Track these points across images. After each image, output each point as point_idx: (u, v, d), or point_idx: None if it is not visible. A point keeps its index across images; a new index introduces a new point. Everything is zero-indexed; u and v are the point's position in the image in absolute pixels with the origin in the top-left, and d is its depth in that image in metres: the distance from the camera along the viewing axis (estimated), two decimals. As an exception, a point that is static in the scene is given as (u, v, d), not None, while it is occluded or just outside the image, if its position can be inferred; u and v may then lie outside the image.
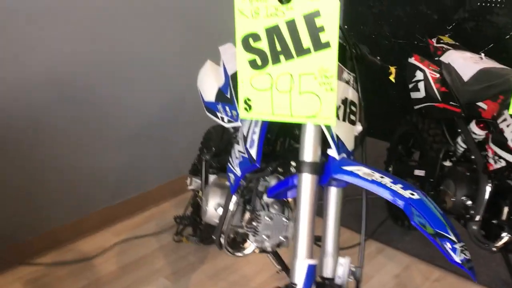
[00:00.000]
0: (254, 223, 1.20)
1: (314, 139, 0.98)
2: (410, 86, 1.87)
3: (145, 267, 1.92)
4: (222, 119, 1.53)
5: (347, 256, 1.05)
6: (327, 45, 0.88)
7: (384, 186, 0.92)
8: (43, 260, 1.96)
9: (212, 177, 1.62)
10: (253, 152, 1.11)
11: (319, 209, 1.00)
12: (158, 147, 2.35)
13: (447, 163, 1.74)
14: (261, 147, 1.10)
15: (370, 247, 2.03)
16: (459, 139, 1.74)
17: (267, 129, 1.13)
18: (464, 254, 0.88)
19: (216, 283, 1.82)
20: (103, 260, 1.97)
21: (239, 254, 1.31)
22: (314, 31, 0.88)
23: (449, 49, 1.81)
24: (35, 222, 1.96)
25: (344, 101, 1.04)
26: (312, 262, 0.97)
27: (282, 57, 0.92)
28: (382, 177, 0.94)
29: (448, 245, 0.88)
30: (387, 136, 2.27)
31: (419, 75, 1.82)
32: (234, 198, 1.27)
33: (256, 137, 1.12)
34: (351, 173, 0.96)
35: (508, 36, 2.31)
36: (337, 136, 1.00)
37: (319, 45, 0.89)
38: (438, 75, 1.76)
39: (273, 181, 1.23)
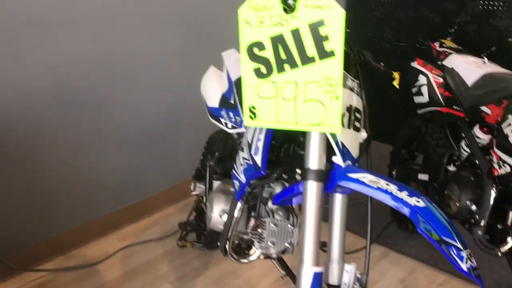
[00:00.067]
0: (259, 230, 1.20)
1: (319, 146, 0.98)
2: (413, 90, 1.87)
3: (150, 273, 1.93)
4: (226, 125, 1.54)
5: (352, 262, 1.05)
6: (331, 53, 0.89)
7: (389, 193, 0.92)
8: (48, 266, 1.97)
9: (216, 183, 1.62)
10: (258, 159, 1.11)
11: (324, 214, 1.00)
12: (161, 152, 2.35)
13: (451, 168, 1.74)
14: (266, 154, 1.10)
15: (374, 251, 2.03)
16: (462, 143, 1.74)
17: (271, 136, 1.13)
18: (471, 261, 0.88)
19: (221, 289, 1.83)
20: (108, 266, 1.98)
21: (244, 260, 1.31)
22: (319, 40, 0.89)
23: (452, 53, 1.81)
24: (39, 228, 1.96)
25: (349, 108, 1.04)
26: (318, 269, 0.97)
27: (287, 66, 0.93)
28: (387, 184, 0.94)
29: (454, 252, 0.88)
30: (390, 139, 2.26)
31: (422, 79, 1.82)
32: (238, 205, 1.27)
33: (260, 144, 1.12)
34: (356, 181, 0.96)
35: (510, 39, 2.31)
36: (342, 144, 1.00)
37: (323, 53, 0.89)
38: (441, 80, 1.76)
39: (277, 188, 1.24)
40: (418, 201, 0.92)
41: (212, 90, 1.65)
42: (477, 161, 1.61)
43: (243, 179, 1.18)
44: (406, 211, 0.90)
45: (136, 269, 1.96)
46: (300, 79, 0.93)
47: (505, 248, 1.49)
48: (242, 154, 1.21)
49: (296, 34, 0.90)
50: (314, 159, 0.98)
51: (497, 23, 2.34)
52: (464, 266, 0.87)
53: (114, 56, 2.02)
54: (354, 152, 1.04)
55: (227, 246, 1.29)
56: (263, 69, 0.95)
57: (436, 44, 1.93)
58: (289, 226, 1.20)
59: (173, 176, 2.44)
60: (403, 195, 0.92)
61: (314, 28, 0.88)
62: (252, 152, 1.13)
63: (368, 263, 1.06)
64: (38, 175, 1.90)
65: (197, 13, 2.29)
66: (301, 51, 0.91)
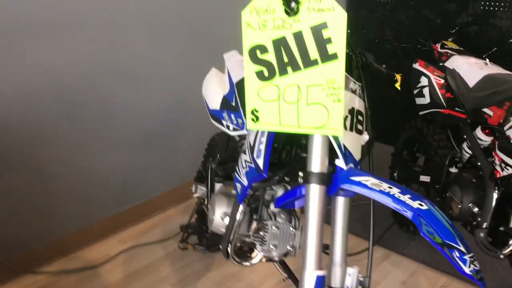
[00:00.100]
0: (261, 233, 1.20)
1: (321, 149, 0.98)
2: (415, 92, 1.87)
3: (151, 275, 1.92)
4: (228, 127, 1.53)
5: (355, 266, 1.05)
6: (334, 56, 0.89)
7: (392, 196, 0.92)
8: (49, 269, 1.96)
9: (218, 186, 1.62)
10: (260, 162, 1.11)
11: (326, 216, 1.00)
12: (162, 154, 2.35)
13: (453, 170, 1.73)
14: (268, 157, 1.10)
15: (376, 253, 2.02)
16: (464, 145, 1.73)
17: (273, 138, 1.13)
18: (474, 265, 0.88)
19: (222, 291, 1.82)
20: (109, 268, 1.97)
21: (246, 263, 1.31)
22: (321, 43, 0.89)
23: (454, 55, 1.81)
24: (40, 230, 1.96)
25: (351, 111, 1.04)
26: (321, 273, 0.97)
27: (289, 69, 0.93)
28: (390, 188, 0.94)
29: (456, 254, 0.88)
30: (391, 140, 2.26)
31: (423, 81, 1.82)
32: (240, 208, 1.27)
33: (262, 147, 1.12)
34: (359, 184, 0.95)
35: (511, 40, 2.31)
36: (345, 146, 1.00)
37: (326, 56, 0.89)
38: (443, 81, 1.76)
39: (279, 190, 1.23)
40: (421, 205, 0.91)
41: (214, 92, 1.65)
42: (479, 163, 1.60)
43: (245, 182, 1.18)
44: (408, 214, 0.89)
45: (138, 271, 1.95)
46: (302, 82, 0.93)
47: (507, 250, 1.49)
48: (244, 157, 1.20)
49: (298, 37, 0.90)
50: (316, 162, 0.98)
51: (499, 23, 2.34)
52: (467, 270, 0.87)
53: (115, 57, 2.02)
54: (357, 155, 1.04)
55: (229, 249, 1.29)
56: (266, 72, 0.95)
57: (438, 46, 1.92)
58: (291, 229, 1.20)
59: (174, 178, 2.44)
60: (406, 198, 0.92)
61: (317, 31, 0.88)
62: (254, 155, 1.13)
63: (370, 266, 1.06)
64: (39, 177, 1.90)
65: (198, 14, 2.29)
66: (304, 54, 0.90)
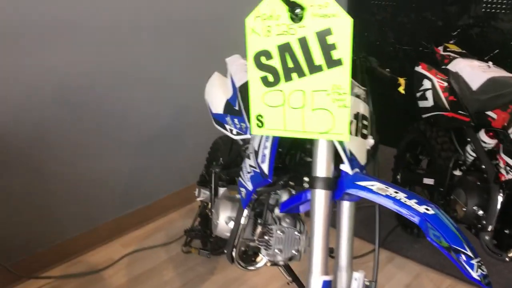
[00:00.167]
0: (266, 237, 1.20)
1: (327, 154, 0.98)
2: (418, 95, 1.87)
3: (155, 279, 1.92)
4: (231, 131, 1.53)
5: (361, 270, 1.05)
6: (339, 62, 0.89)
7: (398, 201, 0.92)
8: (52, 273, 1.96)
9: (221, 190, 1.62)
10: (265, 167, 1.11)
11: (331, 219, 0.99)
12: (164, 157, 2.35)
13: (457, 172, 1.73)
14: (273, 162, 1.10)
15: (380, 256, 2.02)
16: (468, 148, 1.73)
17: (278, 143, 1.13)
18: (481, 269, 0.87)
19: (226, 295, 1.82)
20: (113, 272, 1.97)
21: (251, 268, 1.31)
22: (326, 49, 0.89)
23: (456, 57, 1.81)
24: (43, 235, 1.96)
25: (356, 116, 1.04)
26: (327, 278, 0.97)
27: (294, 75, 0.93)
28: (396, 192, 0.94)
29: (463, 258, 0.88)
30: (394, 142, 2.26)
31: (426, 83, 1.82)
32: (245, 212, 1.27)
33: (267, 152, 1.12)
34: (365, 188, 0.95)
35: (513, 42, 2.31)
36: (350, 151, 1.00)
37: (331, 62, 0.89)
38: (446, 84, 1.76)
39: (284, 195, 1.23)
40: (427, 209, 0.91)
41: (217, 96, 1.65)
42: (483, 166, 1.60)
43: (250, 186, 1.18)
44: (415, 219, 0.89)
45: (141, 275, 1.95)
46: (307, 88, 0.93)
47: (513, 253, 1.49)
48: (249, 162, 1.20)
49: (303, 42, 0.90)
50: (322, 167, 0.98)
51: (500, 26, 2.34)
52: (474, 274, 0.86)
53: (117, 60, 2.02)
54: (362, 160, 1.03)
55: (233, 254, 1.29)
56: (270, 78, 0.95)
57: (440, 48, 1.93)
58: (296, 233, 1.20)
59: (176, 181, 2.44)
60: (412, 203, 0.92)
61: (322, 36, 0.88)
62: (259, 160, 1.13)
63: (376, 271, 1.06)
64: (41, 181, 1.90)
65: (200, 18, 2.29)
66: (309, 59, 0.90)
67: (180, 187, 2.46)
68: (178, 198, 2.45)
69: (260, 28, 0.92)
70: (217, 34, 2.38)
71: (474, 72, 1.65)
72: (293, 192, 1.22)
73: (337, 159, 1.01)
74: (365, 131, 1.06)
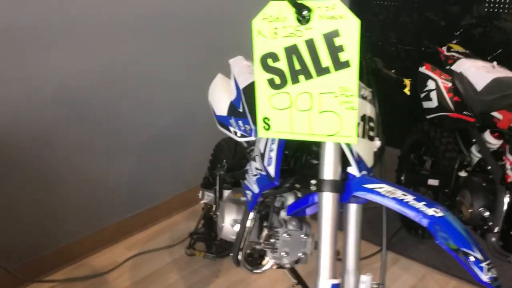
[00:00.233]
0: (272, 240, 1.19)
1: (334, 157, 0.97)
2: (422, 95, 1.86)
3: (159, 282, 1.91)
4: (235, 133, 1.53)
5: (368, 273, 1.04)
6: (347, 64, 0.88)
7: (407, 204, 0.91)
8: (56, 277, 1.96)
9: (226, 192, 1.61)
10: (271, 169, 1.10)
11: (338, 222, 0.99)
12: (167, 160, 2.35)
13: (462, 173, 1.72)
14: (279, 164, 1.09)
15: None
16: (473, 149, 1.73)
17: (284, 146, 1.13)
18: (491, 272, 0.87)
19: (231, 297, 1.81)
20: (117, 275, 1.97)
21: (257, 271, 1.30)
22: (334, 51, 0.88)
23: (460, 58, 1.80)
24: (47, 239, 1.96)
25: (363, 118, 1.03)
26: (335, 281, 0.96)
27: (301, 77, 0.92)
28: (404, 195, 0.93)
29: (473, 262, 0.87)
30: (397, 143, 2.25)
31: (430, 84, 1.81)
32: (251, 215, 1.26)
33: (273, 154, 1.11)
34: (373, 191, 0.95)
35: (516, 41, 2.31)
36: (357, 154, 0.99)
37: (338, 64, 0.89)
38: (450, 85, 1.75)
39: (290, 197, 1.23)
40: (436, 212, 0.90)
41: (220, 98, 1.64)
42: (489, 167, 1.59)
43: (256, 189, 1.17)
44: (424, 222, 0.89)
45: (145, 278, 1.94)
46: (315, 90, 0.92)
47: (519, 254, 1.48)
48: (255, 164, 1.20)
49: (310, 44, 0.89)
50: (329, 170, 0.97)
51: (503, 25, 2.33)
52: (484, 277, 0.86)
53: (120, 63, 2.02)
54: (369, 162, 1.03)
55: (239, 257, 1.28)
56: (277, 80, 0.94)
57: (444, 49, 1.92)
58: (302, 236, 1.19)
59: (179, 183, 2.43)
60: (421, 205, 0.91)
61: (329, 38, 0.88)
62: (265, 163, 1.12)
63: (384, 274, 1.05)
64: (45, 185, 1.90)
65: (203, 20, 2.29)
66: (316, 61, 0.90)
67: (183, 189, 2.45)
68: (182, 200, 2.45)
69: (266, 30, 0.91)
70: (220, 36, 2.38)
71: (479, 73, 1.64)
72: (299, 194, 1.22)
73: (344, 162, 1.00)
74: (371, 133, 1.05)
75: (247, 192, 1.24)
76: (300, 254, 1.20)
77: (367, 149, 1.03)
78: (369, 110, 1.07)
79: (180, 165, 2.40)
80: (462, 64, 1.75)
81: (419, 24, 2.67)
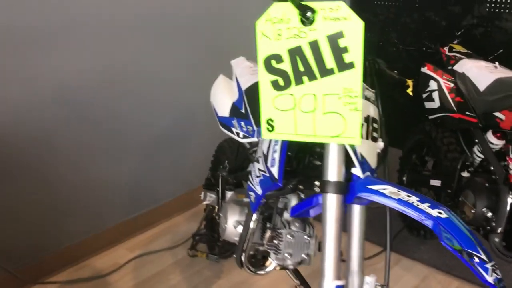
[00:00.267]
0: (275, 241, 1.19)
1: (338, 158, 0.97)
2: (424, 96, 1.86)
3: (161, 283, 1.91)
4: (238, 134, 1.53)
5: (372, 274, 1.04)
6: (351, 65, 0.88)
7: (411, 205, 0.91)
8: (58, 279, 1.95)
9: (229, 193, 1.61)
10: (275, 171, 1.10)
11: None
12: (169, 162, 2.35)
13: (465, 174, 1.72)
14: (283, 166, 1.09)
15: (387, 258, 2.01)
16: (475, 149, 1.72)
17: (287, 147, 1.12)
18: (496, 273, 0.87)
19: (233, 299, 1.81)
20: (119, 277, 1.96)
21: (261, 272, 1.30)
22: (338, 52, 0.88)
23: (462, 58, 1.80)
24: (48, 240, 1.96)
25: (366, 119, 1.03)
26: (340, 283, 0.96)
27: (305, 78, 0.92)
28: (408, 196, 0.93)
29: (476, 260, 0.87)
30: (398, 143, 2.25)
31: (432, 84, 1.81)
32: (254, 216, 1.26)
33: (277, 156, 1.11)
34: (377, 192, 0.95)
35: (518, 41, 2.31)
36: (361, 155, 0.99)
37: (343, 65, 0.88)
38: (452, 85, 1.75)
39: (293, 199, 1.23)
40: (440, 213, 0.90)
41: (222, 99, 1.64)
42: (492, 167, 1.59)
43: (259, 191, 1.17)
44: (429, 223, 0.89)
45: (147, 279, 1.94)
46: (319, 91, 0.92)
47: (522, 254, 1.48)
48: (258, 166, 1.19)
49: (314, 46, 0.89)
50: (333, 171, 0.97)
51: (504, 25, 2.33)
52: (489, 279, 0.86)
53: (121, 64, 2.02)
54: (373, 163, 1.03)
55: (243, 258, 1.28)
56: (281, 82, 0.94)
57: (446, 49, 1.92)
58: (305, 237, 1.19)
59: (181, 185, 2.43)
60: (425, 206, 0.91)
61: (333, 40, 0.87)
62: (269, 164, 1.12)
63: (388, 275, 1.05)
64: (45, 185, 1.89)
65: (205, 21, 2.29)
66: (320, 63, 0.90)
67: (184, 191, 2.45)
68: (183, 201, 2.45)
69: (270, 31, 0.91)
70: (220, 35, 2.38)
71: (481, 73, 1.64)
72: (302, 195, 1.22)
73: (348, 162, 1.00)
74: (375, 134, 1.05)
75: (251, 193, 1.24)
76: (303, 255, 1.19)
77: (371, 150, 1.03)
78: (373, 111, 1.06)
79: (180, 165, 2.40)
80: (464, 64, 1.75)
81: (420, 24, 2.67)
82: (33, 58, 1.73)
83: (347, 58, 0.88)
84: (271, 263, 1.29)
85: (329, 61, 0.89)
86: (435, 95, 1.80)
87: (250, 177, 1.25)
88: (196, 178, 2.41)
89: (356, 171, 0.99)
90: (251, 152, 1.50)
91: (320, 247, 1.24)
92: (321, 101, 0.93)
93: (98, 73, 1.94)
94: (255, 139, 1.45)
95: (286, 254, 1.18)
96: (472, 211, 1.62)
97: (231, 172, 1.64)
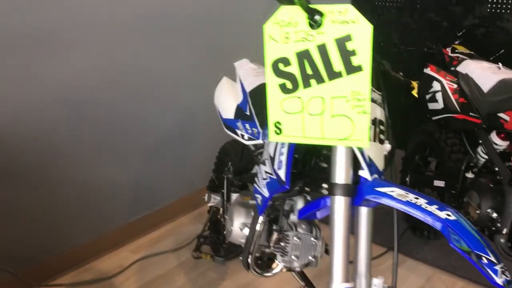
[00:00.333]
0: (282, 244, 1.19)
1: (346, 161, 0.97)
2: (427, 97, 1.87)
3: (166, 285, 1.91)
4: (242, 136, 1.53)
5: (380, 276, 1.04)
6: (359, 68, 0.88)
7: (419, 207, 0.91)
8: (62, 281, 1.95)
9: (234, 196, 1.61)
10: (282, 173, 1.10)
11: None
12: (172, 163, 2.35)
13: (469, 175, 1.72)
14: (290, 168, 1.09)
15: (390, 259, 2.01)
16: (479, 150, 1.73)
17: (294, 149, 1.13)
18: (505, 275, 0.87)
19: (238, 300, 1.81)
20: (123, 279, 1.96)
21: (267, 274, 1.30)
22: (346, 55, 0.88)
23: (465, 59, 1.80)
24: (52, 242, 1.95)
25: (374, 121, 1.03)
26: (348, 285, 0.97)
27: (313, 81, 0.92)
28: (417, 198, 0.94)
29: (487, 265, 0.87)
30: (401, 144, 2.25)
31: (436, 86, 1.81)
32: (260, 218, 1.26)
33: (284, 158, 1.11)
34: (385, 195, 0.95)
35: (519, 42, 2.31)
36: (369, 157, 0.99)
37: (351, 68, 0.89)
38: (455, 86, 1.75)
39: (299, 201, 1.23)
40: (448, 215, 0.91)
41: (226, 101, 1.64)
42: (496, 168, 1.59)
43: (266, 193, 1.17)
44: (438, 225, 0.89)
45: (151, 281, 1.94)
46: (326, 94, 0.92)
47: (528, 255, 1.48)
48: (264, 168, 1.20)
49: (322, 49, 0.89)
50: (341, 174, 0.97)
51: (506, 26, 2.34)
52: (499, 280, 0.86)
53: (123, 66, 2.02)
54: (380, 165, 1.03)
55: (249, 260, 1.28)
56: (289, 85, 0.94)
57: (448, 50, 1.92)
58: (312, 239, 1.19)
59: (184, 186, 2.43)
60: (433, 209, 0.91)
61: (341, 43, 0.88)
62: (276, 167, 1.13)
63: (396, 277, 1.06)
64: (49, 188, 1.89)
65: (208, 23, 2.29)
66: (328, 66, 0.90)
67: (188, 192, 2.45)
68: (187, 203, 2.45)
69: (278, 35, 0.91)
70: (221, 36, 2.38)
71: (485, 74, 1.64)
72: (308, 198, 1.22)
73: (355, 165, 1.00)
74: (382, 136, 1.06)
75: (257, 196, 1.24)
76: (310, 257, 1.20)
77: (378, 152, 1.03)
78: (379, 113, 1.07)
79: (183, 167, 2.40)
80: (467, 65, 1.75)
81: (421, 25, 2.67)
82: (34, 58, 1.73)
83: (355, 61, 0.88)
84: (278, 265, 1.29)
85: (337, 64, 0.89)
86: (439, 96, 1.80)
87: (256, 179, 1.25)
88: (198, 178, 2.41)
89: (364, 173, 0.99)
90: (256, 154, 1.51)
91: (326, 249, 1.24)
92: (329, 104, 0.93)
93: (99, 73, 1.94)
94: (259, 141, 1.45)
95: (293, 256, 1.18)
96: (477, 211, 1.62)
97: (236, 174, 1.64)
